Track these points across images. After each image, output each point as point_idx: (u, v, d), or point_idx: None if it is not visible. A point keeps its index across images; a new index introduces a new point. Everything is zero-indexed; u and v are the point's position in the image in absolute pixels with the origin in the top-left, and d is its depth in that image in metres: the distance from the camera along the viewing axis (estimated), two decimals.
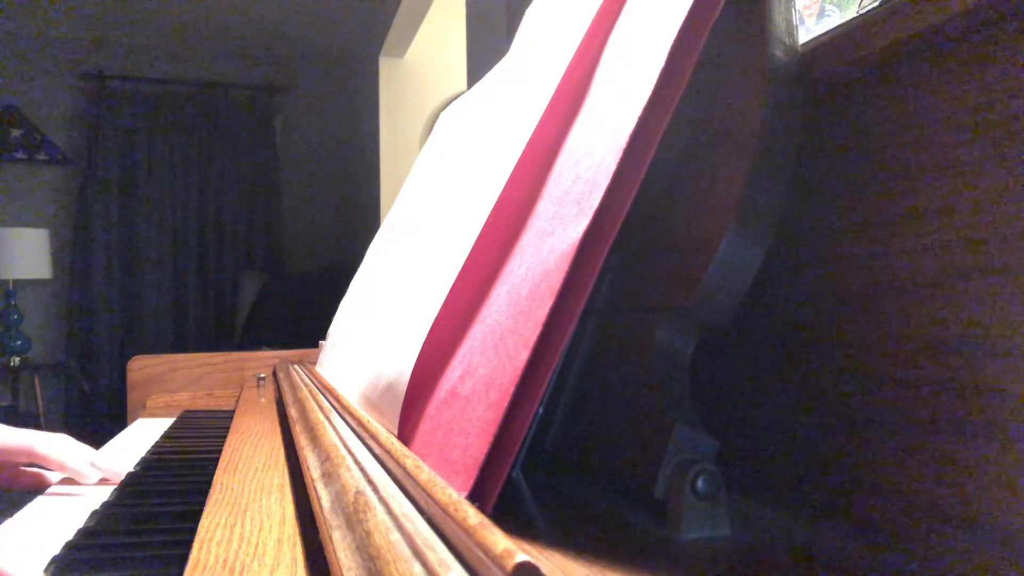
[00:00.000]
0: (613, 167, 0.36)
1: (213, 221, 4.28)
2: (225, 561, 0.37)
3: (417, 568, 0.24)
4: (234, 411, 0.93)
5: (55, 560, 0.44)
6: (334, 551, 0.30)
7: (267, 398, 1.02)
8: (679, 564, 0.30)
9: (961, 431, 0.29)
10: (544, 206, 0.43)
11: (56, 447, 0.69)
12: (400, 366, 0.48)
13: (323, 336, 1.04)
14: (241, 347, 3.56)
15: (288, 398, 0.74)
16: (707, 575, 0.29)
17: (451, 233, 0.53)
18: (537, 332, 0.35)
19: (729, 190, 0.37)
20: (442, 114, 0.86)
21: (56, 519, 0.57)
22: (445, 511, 0.26)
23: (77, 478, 0.68)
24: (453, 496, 0.27)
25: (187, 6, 3.74)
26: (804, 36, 0.39)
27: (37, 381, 3.64)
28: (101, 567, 0.44)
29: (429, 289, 0.51)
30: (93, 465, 0.69)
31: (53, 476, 0.70)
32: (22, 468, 0.70)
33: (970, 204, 0.30)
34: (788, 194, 0.37)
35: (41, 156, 4.01)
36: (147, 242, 4.14)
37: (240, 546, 0.39)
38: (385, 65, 3.71)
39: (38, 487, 0.69)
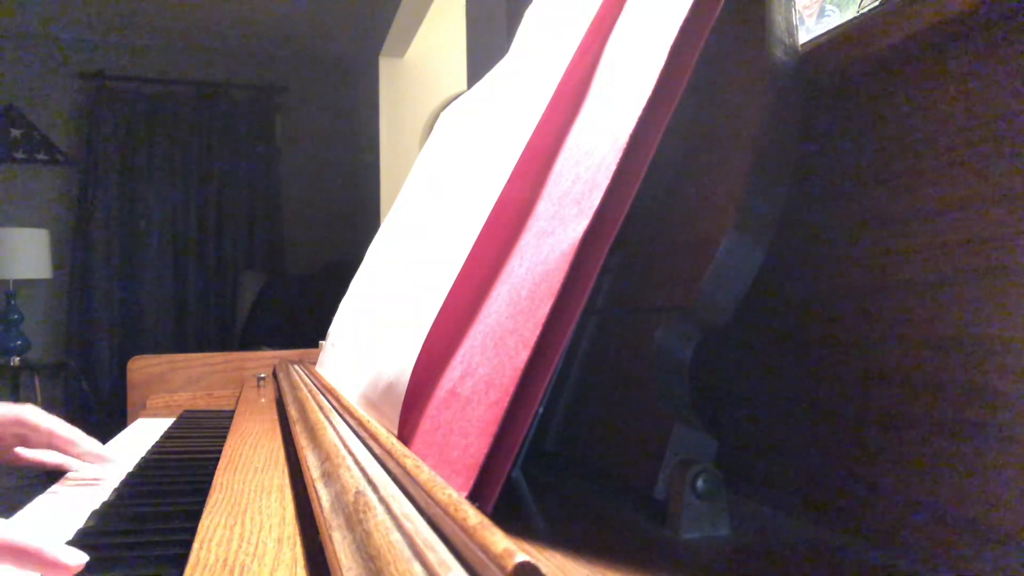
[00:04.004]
0: (613, 167, 0.36)
1: (213, 221, 4.27)
2: (225, 561, 0.37)
3: (417, 568, 0.24)
4: (234, 411, 0.93)
5: None
6: (334, 551, 0.30)
7: (267, 398, 1.02)
8: (679, 564, 0.30)
9: (961, 431, 0.29)
10: (544, 206, 0.43)
11: (45, 416, 0.71)
12: (400, 366, 0.48)
13: (323, 336, 1.04)
14: (241, 347, 3.56)
15: (288, 398, 0.74)
16: (707, 575, 0.29)
17: (451, 233, 0.53)
18: (537, 332, 0.35)
19: (729, 190, 0.37)
20: (442, 114, 0.86)
21: (56, 519, 0.57)
22: (445, 511, 0.26)
23: (67, 446, 0.70)
24: (453, 496, 0.27)
25: (187, 6, 3.74)
26: (804, 36, 0.39)
27: (37, 381, 3.63)
28: (101, 567, 0.44)
29: (429, 289, 0.51)
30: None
31: (48, 457, 0.71)
32: (15, 451, 0.71)
33: (970, 204, 0.30)
34: (788, 194, 0.37)
35: (41, 156, 4.01)
36: (147, 242, 4.13)
37: (240, 546, 0.39)
38: (385, 65, 3.71)
39: (33, 465, 0.71)
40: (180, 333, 4.19)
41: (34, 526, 0.55)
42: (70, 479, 0.70)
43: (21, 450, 0.72)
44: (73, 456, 0.71)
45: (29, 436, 0.70)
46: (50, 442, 0.71)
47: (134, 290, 4.10)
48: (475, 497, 0.33)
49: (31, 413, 0.70)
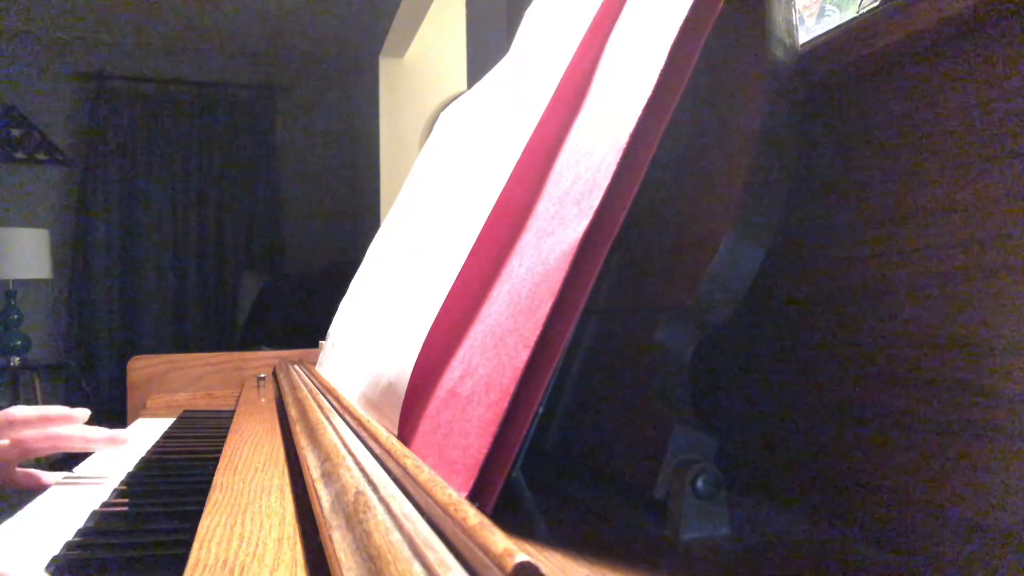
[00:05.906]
0: (613, 167, 0.36)
1: (213, 221, 4.28)
2: (225, 561, 0.37)
3: (417, 568, 0.24)
4: (234, 411, 0.93)
5: (55, 560, 0.44)
6: (334, 551, 0.30)
7: (267, 398, 1.02)
8: (679, 564, 0.30)
9: (961, 431, 0.29)
10: (544, 206, 0.43)
11: (30, 407, 0.71)
12: (400, 366, 0.48)
13: (323, 336, 1.04)
14: (241, 347, 3.56)
15: (288, 398, 0.74)
16: (707, 575, 0.29)
17: (451, 233, 0.53)
18: (537, 332, 0.35)
19: (729, 190, 0.37)
20: (442, 114, 0.86)
21: (56, 519, 0.57)
22: (445, 511, 0.26)
23: (65, 422, 0.70)
24: (453, 496, 0.27)
25: (187, 6, 3.74)
26: (804, 36, 0.39)
27: (37, 381, 3.64)
28: (101, 567, 0.44)
29: (429, 289, 0.51)
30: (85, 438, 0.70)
31: (48, 478, 0.71)
32: (16, 468, 0.71)
33: (970, 204, 0.30)
34: (788, 194, 0.37)
35: (41, 156, 4.01)
36: (147, 242, 4.14)
37: (240, 546, 0.39)
38: (385, 65, 3.71)
39: (33, 487, 0.70)
40: (180, 333, 4.19)
41: (34, 526, 0.55)
42: (70, 478, 0.70)
43: (23, 471, 0.71)
44: (79, 439, 0.71)
45: (24, 438, 0.69)
46: (47, 428, 0.70)
47: (134, 290, 4.10)
48: (475, 497, 0.33)
49: (15, 409, 0.69)
